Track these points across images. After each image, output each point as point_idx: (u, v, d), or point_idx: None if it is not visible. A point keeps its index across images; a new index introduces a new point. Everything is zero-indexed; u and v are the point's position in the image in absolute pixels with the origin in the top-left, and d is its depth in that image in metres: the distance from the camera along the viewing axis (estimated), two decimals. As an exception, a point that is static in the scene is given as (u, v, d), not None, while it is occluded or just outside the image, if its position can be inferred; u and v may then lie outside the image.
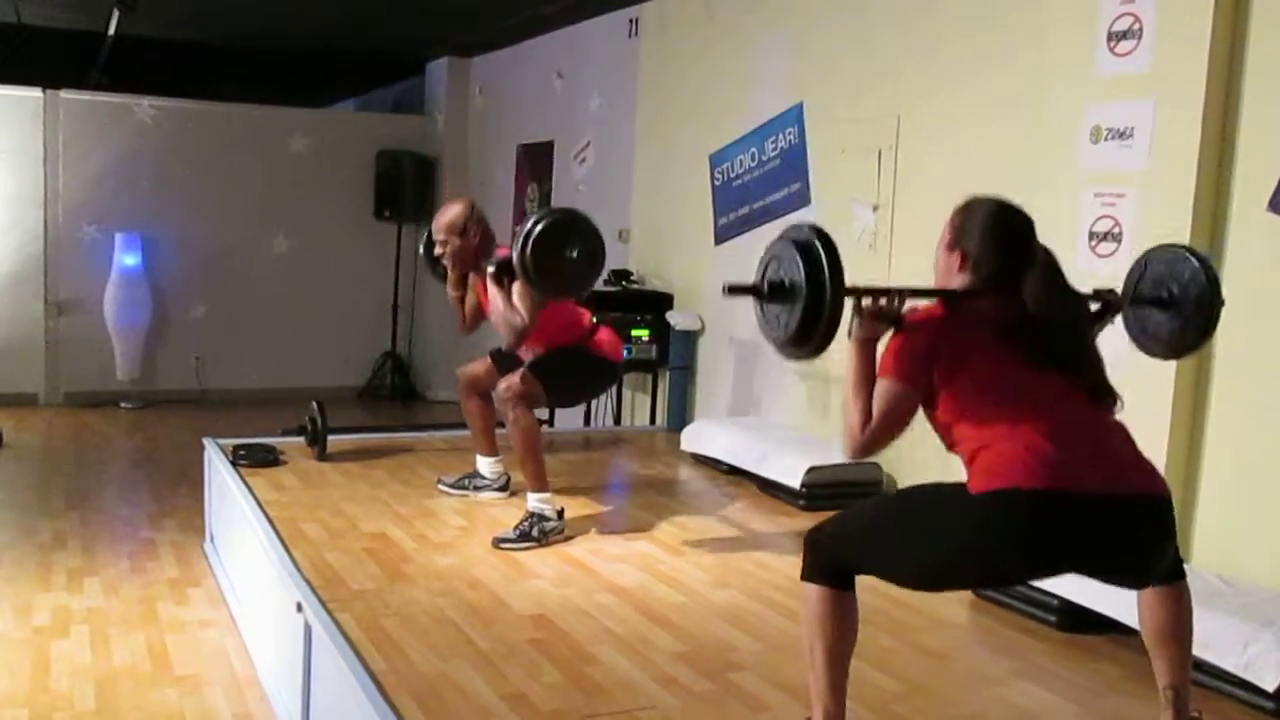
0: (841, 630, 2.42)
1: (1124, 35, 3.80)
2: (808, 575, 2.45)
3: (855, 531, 2.49)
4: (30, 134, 8.56)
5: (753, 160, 5.87)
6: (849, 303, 2.42)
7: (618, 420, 6.83)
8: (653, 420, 6.59)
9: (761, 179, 5.81)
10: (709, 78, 6.25)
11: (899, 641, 3.25)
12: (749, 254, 5.85)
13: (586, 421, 6.77)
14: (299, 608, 3.29)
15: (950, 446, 2.40)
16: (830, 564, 2.43)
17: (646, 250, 6.85)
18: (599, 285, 6.55)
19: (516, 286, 4.05)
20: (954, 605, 3.62)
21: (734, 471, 5.16)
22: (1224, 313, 3.14)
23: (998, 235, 2.44)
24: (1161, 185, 3.69)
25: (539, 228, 3.86)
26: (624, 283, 6.63)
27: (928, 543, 2.34)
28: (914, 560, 2.37)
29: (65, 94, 8.66)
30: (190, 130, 9.01)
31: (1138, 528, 2.29)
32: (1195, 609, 2.97)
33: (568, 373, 4.33)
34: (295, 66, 10.23)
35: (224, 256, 9.17)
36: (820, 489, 4.67)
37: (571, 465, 5.32)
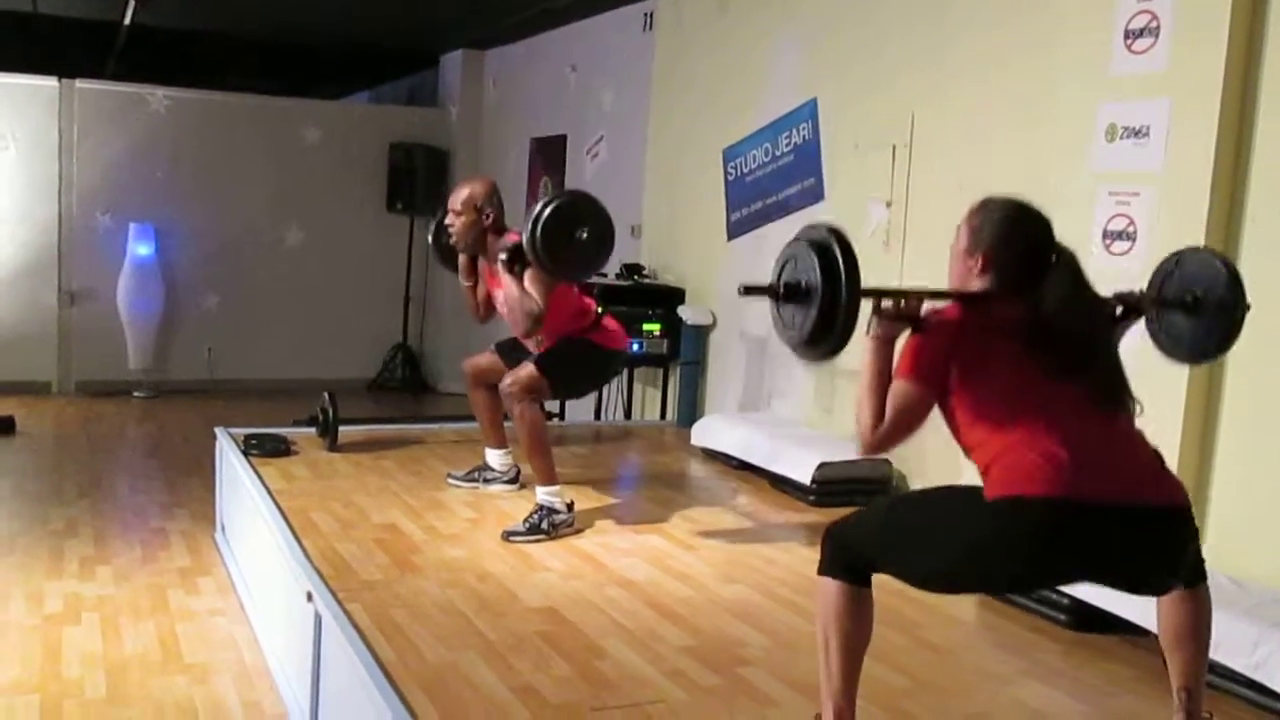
0: (857, 626, 2.40)
1: (1141, 33, 3.78)
2: (825, 570, 2.44)
3: (873, 530, 2.48)
4: (45, 123, 8.58)
5: (766, 155, 5.86)
6: (867, 303, 2.40)
7: (628, 414, 6.83)
8: (663, 415, 6.59)
9: (775, 174, 5.80)
10: (723, 72, 6.24)
11: (908, 638, 3.24)
12: (761, 249, 5.85)
13: (597, 415, 6.78)
14: (309, 597, 3.29)
15: (967, 453, 2.38)
16: (848, 560, 2.42)
17: (659, 245, 6.85)
18: (610, 279, 6.59)
19: (529, 273, 4.05)
20: (963, 603, 3.61)
21: (744, 467, 5.16)
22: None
23: (1017, 239, 2.42)
24: (1177, 184, 3.68)
25: (548, 210, 3.87)
26: (636, 277, 6.62)
27: (943, 546, 2.33)
28: (929, 562, 2.37)
29: (80, 84, 8.68)
30: (204, 121, 9.03)
31: (1156, 539, 2.27)
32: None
33: (573, 365, 4.32)
34: (309, 58, 10.25)
35: (236, 247, 9.19)
36: (830, 485, 4.66)
37: (582, 459, 5.32)
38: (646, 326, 6.34)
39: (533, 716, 2.68)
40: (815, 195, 5.51)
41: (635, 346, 6.31)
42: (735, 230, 6.12)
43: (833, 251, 2.35)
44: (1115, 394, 2.37)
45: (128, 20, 8.28)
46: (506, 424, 4.71)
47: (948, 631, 3.38)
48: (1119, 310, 2.66)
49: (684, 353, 6.34)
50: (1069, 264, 2.41)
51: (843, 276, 2.33)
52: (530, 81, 8.71)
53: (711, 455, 5.44)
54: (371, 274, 9.57)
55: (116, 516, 5.43)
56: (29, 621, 4.02)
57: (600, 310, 4.49)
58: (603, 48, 7.64)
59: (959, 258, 2.50)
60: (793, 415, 5.60)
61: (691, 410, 6.22)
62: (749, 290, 2.51)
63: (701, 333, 6.32)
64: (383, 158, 9.46)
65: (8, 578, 4.45)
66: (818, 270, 2.35)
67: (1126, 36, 3.82)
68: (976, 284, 2.45)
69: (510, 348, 4.55)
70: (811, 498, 4.69)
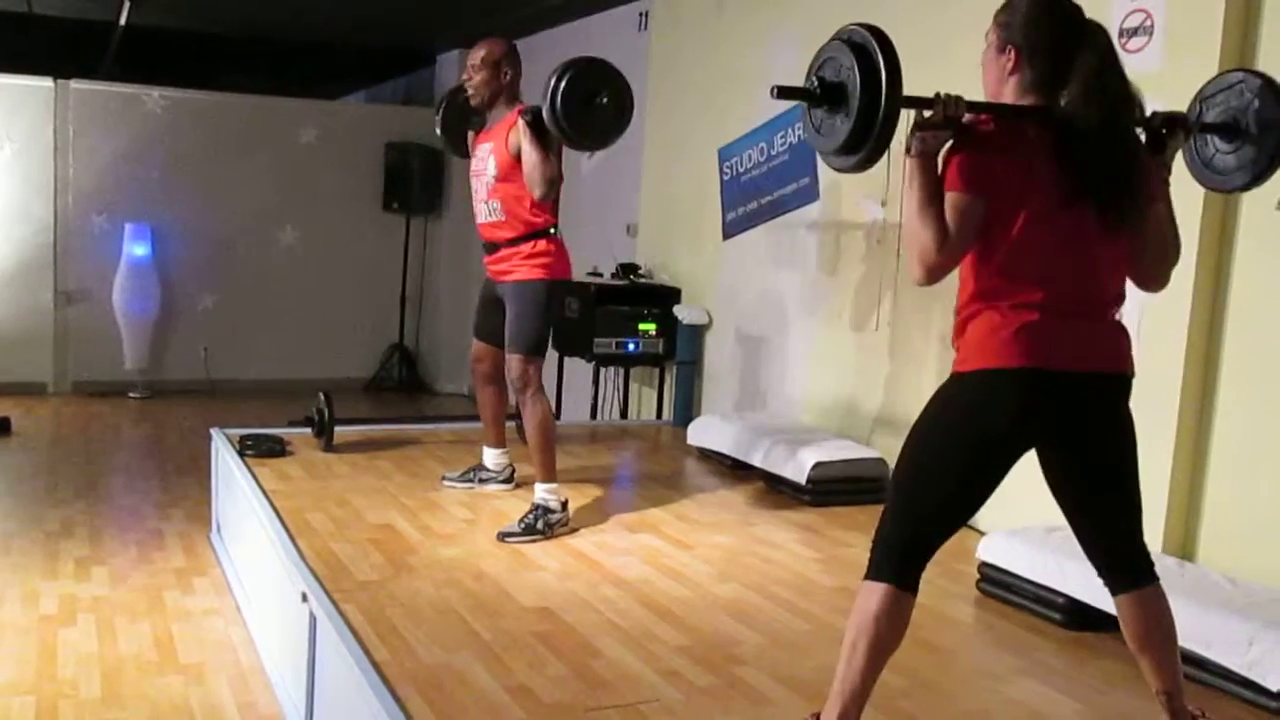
0: (891, 631, 2.36)
1: (1135, 32, 3.79)
2: (872, 574, 2.38)
3: (894, 502, 2.43)
4: (41, 124, 8.57)
5: (761, 155, 5.86)
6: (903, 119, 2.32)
7: (624, 414, 6.83)
8: (659, 414, 6.59)
9: (770, 174, 5.80)
10: (718, 72, 6.24)
11: (905, 638, 3.23)
12: (757, 248, 5.85)
13: (593, 415, 6.77)
14: (304, 598, 3.29)
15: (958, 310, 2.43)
16: (898, 551, 2.37)
17: (654, 244, 6.85)
18: (606, 279, 6.59)
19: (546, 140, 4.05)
20: (959, 602, 3.62)
21: (740, 466, 5.16)
22: (1233, 309, 3.12)
23: (1043, 17, 2.38)
24: (1172, 184, 3.67)
25: (564, 81, 3.80)
26: (631, 277, 6.62)
27: (942, 444, 2.37)
28: (944, 470, 2.36)
29: (76, 84, 8.67)
30: (200, 121, 9.01)
31: (1091, 401, 2.38)
32: (1200, 608, 2.99)
33: (536, 318, 4.26)
34: (305, 58, 10.24)
35: (233, 247, 9.18)
36: (826, 484, 4.66)
37: (578, 458, 5.31)
38: (642, 326, 6.34)
39: (528, 716, 2.68)
40: (810, 195, 5.51)
41: (631, 346, 6.31)
42: (730, 230, 6.12)
43: (872, 50, 2.23)
44: (1123, 215, 2.36)
45: (123, 20, 8.27)
46: (509, 424, 4.73)
47: (944, 630, 3.38)
48: (1164, 130, 2.54)
49: (680, 352, 6.33)
50: (1103, 46, 2.35)
51: (883, 79, 2.21)
52: (526, 81, 8.68)
53: (707, 455, 5.44)
54: (368, 274, 9.56)
55: (112, 517, 5.43)
56: (24, 622, 4.02)
57: (555, 229, 4.36)
58: (598, 47, 7.57)
59: (992, 62, 2.45)
60: (788, 415, 5.60)
61: (687, 410, 6.22)
62: (783, 92, 2.38)
63: (697, 332, 6.32)
64: (379, 157, 9.45)
65: (3, 578, 4.45)
66: (856, 70, 2.22)
67: (1121, 35, 3.82)
68: (1011, 84, 2.41)
69: (481, 319, 4.56)
70: (807, 497, 4.69)
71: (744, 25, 6.04)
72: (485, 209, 4.36)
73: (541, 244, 4.28)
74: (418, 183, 9.31)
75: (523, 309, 4.27)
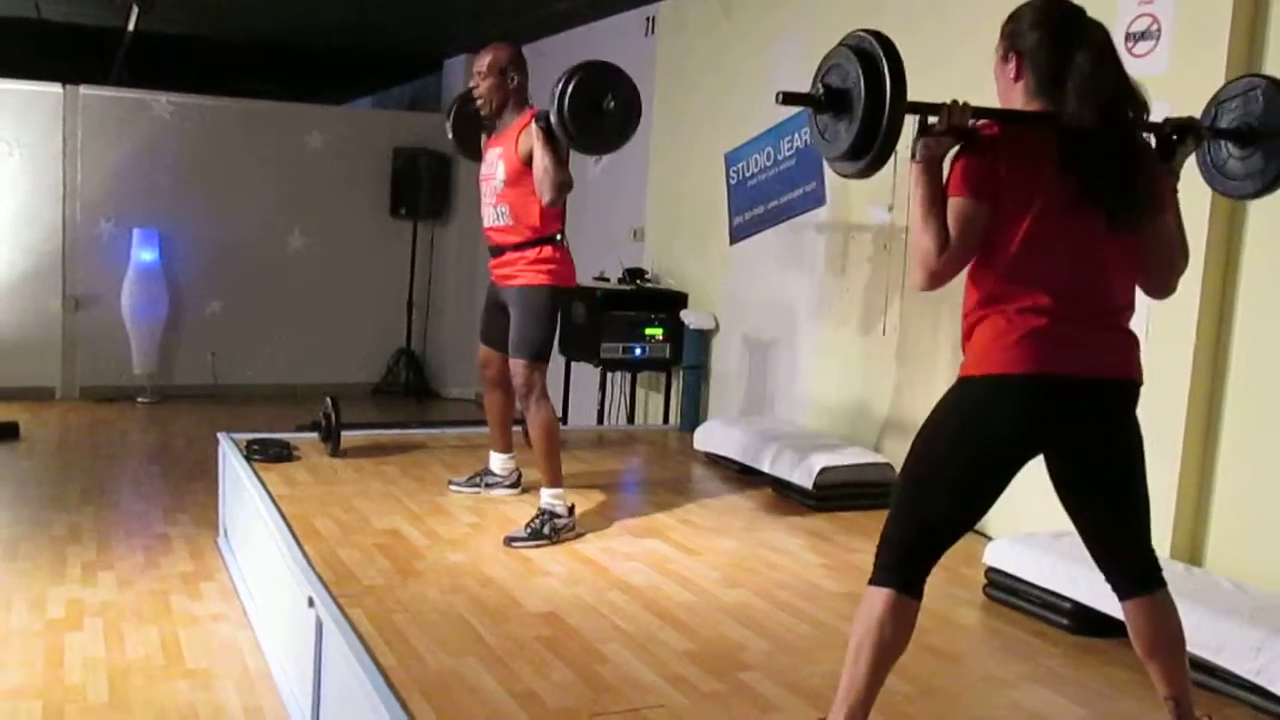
0: (895, 637, 2.36)
1: (1142, 36, 3.78)
2: (876, 579, 2.38)
3: (898, 506, 2.43)
4: (49, 129, 8.60)
5: (768, 160, 5.86)
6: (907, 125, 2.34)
7: (631, 419, 6.83)
8: (666, 419, 6.59)
9: (776, 178, 5.79)
10: (725, 77, 6.24)
11: (911, 644, 3.22)
12: (764, 253, 5.85)
13: (600, 420, 6.78)
14: (310, 603, 3.30)
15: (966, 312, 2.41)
16: (902, 556, 2.37)
17: (661, 249, 6.85)
18: (613, 284, 6.59)
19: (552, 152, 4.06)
20: (965, 607, 3.61)
21: (746, 471, 5.16)
22: (1241, 315, 3.11)
23: (1046, 20, 2.39)
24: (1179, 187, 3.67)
25: (571, 85, 3.82)
26: (638, 281, 6.62)
27: (947, 447, 2.36)
28: (947, 473, 2.35)
29: (85, 89, 8.70)
30: (208, 126, 9.04)
31: (1102, 408, 2.37)
32: (1208, 614, 2.98)
33: (541, 324, 4.27)
34: (312, 64, 10.26)
35: (240, 252, 9.20)
36: (833, 489, 4.66)
37: (584, 463, 5.32)
38: (649, 331, 6.34)
39: (533, 722, 2.68)
40: (817, 199, 5.50)
41: (638, 351, 6.32)
42: (737, 234, 6.12)
43: (877, 55, 2.25)
44: (1131, 216, 2.34)
45: (131, 26, 8.29)
46: (515, 429, 4.73)
47: (949, 635, 3.37)
48: (1174, 137, 2.54)
49: (686, 357, 6.34)
50: (1101, 43, 2.35)
51: (888, 84, 2.22)
52: (533, 85, 8.69)
53: (714, 459, 5.44)
54: (375, 279, 9.57)
55: (119, 522, 5.44)
56: (32, 627, 4.03)
57: (561, 235, 4.38)
58: (605, 52, 7.57)
59: (1000, 72, 2.47)
60: (795, 419, 5.59)
61: (694, 414, 6.22)
62: (788, 98, 2.39)
63: (704, 337, 6.31)
64: (386, 163, 9.47)
65: (10, 583, 4.45)
66: (861, 77, 2.24)
67: (1127, 39, 3.81)
68: (1018, 91, 2.42)
69: (487, 323, 4.56)
70: (813, 502, 4.68)
71: (750, 30, 6.04)
72: (493, 213, 4.37)
73: (547, 250, 4.28)
74: (425, 188, 9.33)
75: (526, 314, 4.27)
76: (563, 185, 4.10)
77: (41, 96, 8.58)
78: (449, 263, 9.74)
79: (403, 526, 4.21)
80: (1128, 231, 2.36)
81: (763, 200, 5.90)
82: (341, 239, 9.49)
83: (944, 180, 2.36)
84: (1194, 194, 3.60)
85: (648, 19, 7.08)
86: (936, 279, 2.33)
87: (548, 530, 4.07)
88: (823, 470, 4.66)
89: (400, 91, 11.20)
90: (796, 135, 5.63)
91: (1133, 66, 3.78)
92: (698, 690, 2.90)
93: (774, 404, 5.84)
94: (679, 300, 6.47)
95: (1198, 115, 2.66)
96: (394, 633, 3.15)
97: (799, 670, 3.02)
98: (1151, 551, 2.49)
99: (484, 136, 4.59)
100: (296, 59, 10.09)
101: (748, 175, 6.02)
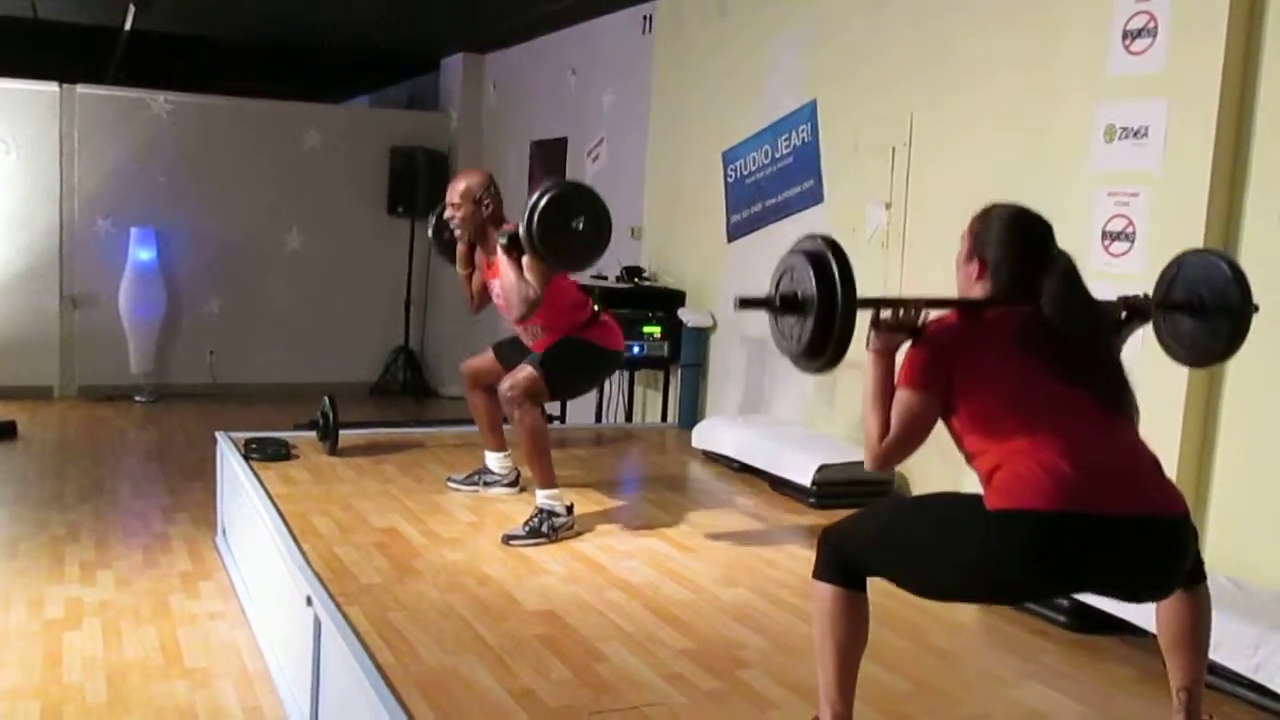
0: (852, 630, 2.40)
1: (1139, 34, 3.78)
2: (819, 573, 2.44)
3: (869, 534, 2.48)
4: (46, 128, 8.59)
5: (765, 158, 5.86)
6: (866, 315, 2.39)
7: (629, 417, 6.83)
8: (664, 417, 6.59)
9: (774, 176, 5.80)
10: (722, 74, 6.24)
11: (908, 641, 3.24)
12: (761, 251, 5.84)
13: (598, 418, 6.77)
14: (308, 601, 3.30)
15: (969, 459, 2.37)
16: (842, 563, 2.42)
17: (659, 247, 6.85)
18: (611, 281, 6.59)
19: (526, 259, 4.07)
20: (964, 606, 3.61)
21: (745, 469, 5.16)
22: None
23: (1015, 240, 2.42)
24: (1175, 185, 3.67)
25: (544, 200, 3.91)
26: (636, 280, 6.62)
27: (940, 554, 2.32)
28: (925, 570, 2.36)
29: (81, 89, 8.69)
30: (205, 125, 9.03)
31: (1156, 550, 2.24)
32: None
33: (570, 366, 4.31)
34: (310, 62, 10.27)
35: (238, 251, 9.20)
36: (831, 487, 4.66)
37: (583, 462, 5.32)
38: (647, 329, 6.34)
39: (532, 720, 2.68)
40: (815, 197, 5.50)
41: (636, 349, 6.31)
42: (735, 232, 6.12)
43: (828, 262, 2.34)
44: (1118, 398, 2.35)
45: (128, 25, 8.29)
46: (506, 427, 4.72)
47: (949, 634, 3.37)
48: (1124, 315, 2.65)
49: (685, 355, 6.34)
50: (1065, 268, 2.40)
51: (838, 287, 2.32)
52: (530, 84, 8.72)
53: (712, 457, 5.44)
54: (373, 278, 9.57)
55: (118, 521, 5.44)
56: (30, 626, 4.03)
57: (597, 308, 4.48)
58: (603, 50, 7.65)
59: (961, 266, 2.51)
60: (793, 417, 5.60)
61: (692, 412, 6.22)
62: (745, 303, 2.50)
63: (702, 335, 6.32)
64: (383, 161, 9.47)
65: (9, 583, 4.45)
66: (814, 281, 2.34)
67: (1125, 37, 3.81)
68: (978, 290, 2.45)
69: (508, 349, 4.55)
70: (812, 500, 4.69)
71: (747, 27, 6.04)
72: (527, 334, 4.40)
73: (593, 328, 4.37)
74: (422, 186, 9.31)
75: (559, 347, 4.27)
76: (526, 299, 4.09)
77: (38, 95, 8.57)
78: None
79: (401, 525, 4.21)
80: (1118, 410, 2.34)
81: (761, 198, 5.90)
82: (339, 238, 9.48)
83: (894, 371, 2.40)
84: (1190, 194, 3.61)
85: (645, 17, 7.08)
86: (879, 463, 2.39)
87: (546, 528, 4.07)
88: (821, 468, 4.66)
89: (397, 90, 11.20)
90: (794, 133, 5.63)
91: (1130, 64, 3.81)
92: (696, 688, 2.90)
93: (772, 402, 5.84)
94: (677, 298, 6.47)
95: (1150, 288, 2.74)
96: (392, 631, 3.15)
97: (797, 668, 3.02)
98: (1198, 548, 2.47)
99: (480, 258, 4.53)
100: (293, 58, 10.09)
101: (745, 173, 6.02)
